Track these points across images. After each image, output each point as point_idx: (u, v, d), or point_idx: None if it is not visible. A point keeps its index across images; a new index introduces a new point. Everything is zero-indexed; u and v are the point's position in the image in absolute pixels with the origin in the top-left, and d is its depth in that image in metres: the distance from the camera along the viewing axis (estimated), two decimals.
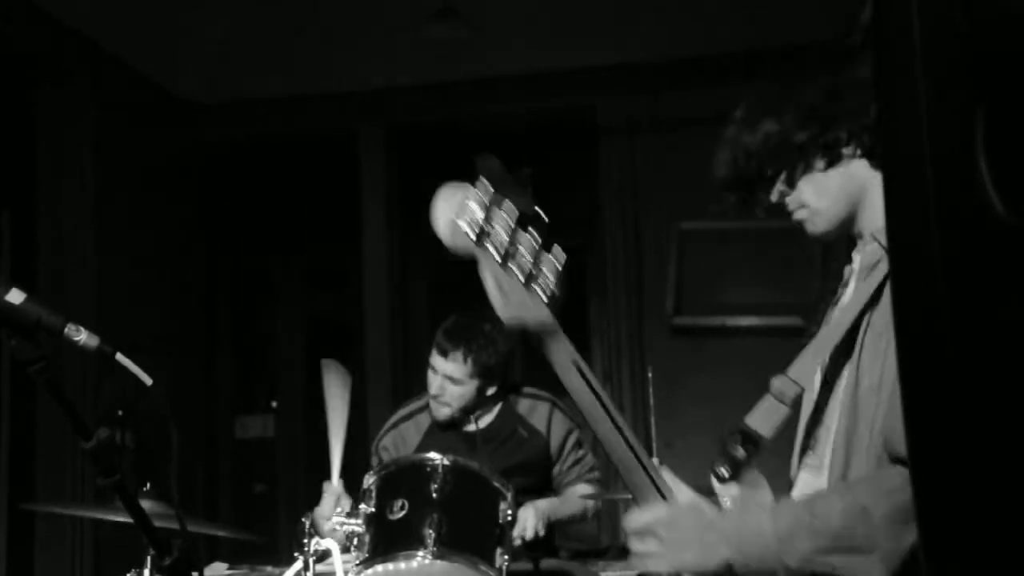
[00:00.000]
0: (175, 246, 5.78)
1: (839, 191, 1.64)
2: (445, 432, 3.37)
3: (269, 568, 3.27)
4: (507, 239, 1.33)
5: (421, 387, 3.45)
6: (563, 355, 1.41)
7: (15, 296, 1.54)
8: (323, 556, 2.77)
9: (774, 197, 1.71)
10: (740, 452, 1.56)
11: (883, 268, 1.56)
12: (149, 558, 2.57)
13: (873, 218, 1.63)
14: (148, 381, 1.58)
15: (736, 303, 5.31)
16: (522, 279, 1.35)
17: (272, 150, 6.13)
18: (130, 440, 4.31)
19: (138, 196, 5.46)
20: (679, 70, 5.50)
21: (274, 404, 6.35)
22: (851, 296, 1.66)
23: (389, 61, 5.42)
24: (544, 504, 3.23)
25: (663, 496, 1.51)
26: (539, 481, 3.44)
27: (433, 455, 2.77)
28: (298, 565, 2.70)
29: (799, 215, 1.70)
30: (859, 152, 1.62)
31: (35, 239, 4.94)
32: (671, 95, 5.51)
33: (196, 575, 1.67)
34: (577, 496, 3.41)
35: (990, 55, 0.83)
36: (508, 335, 3.37)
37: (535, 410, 3.48)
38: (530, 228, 1.37)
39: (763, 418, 1.59)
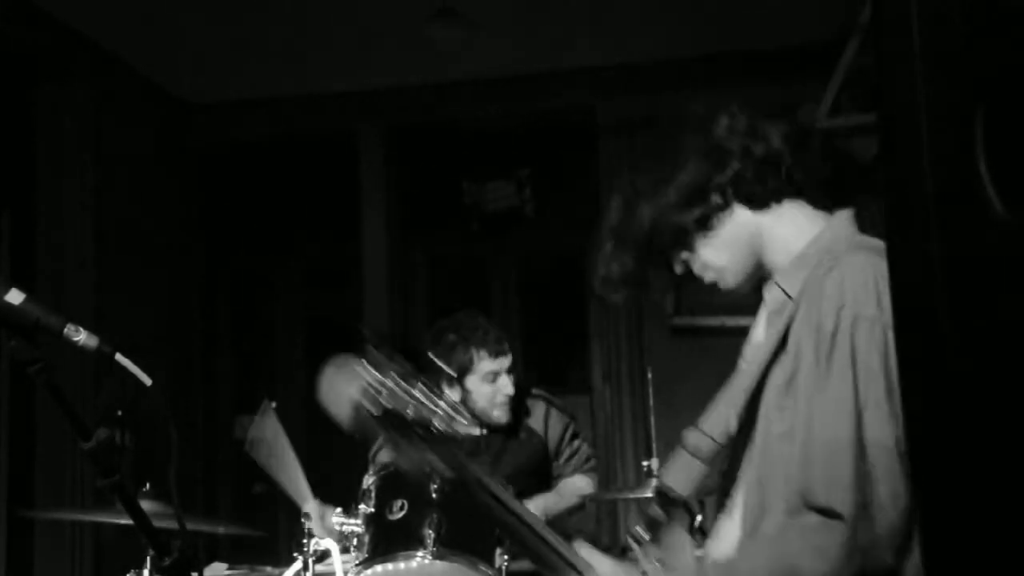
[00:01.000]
0: (174, 246, 5.77)
1: (734, 243, 1.69)
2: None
3: (269, 568, 3.26)
4: (407, 402, 1.39)
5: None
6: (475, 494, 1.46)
7: (14, 296, 1.54)
8: (323, 556, 2.77)
9: (679, 270, 1.76)
10: (659, 513, 1.56)
11: (786, 314, 1.60)
12: (148, 558, 2.57)
13: (775, 259, 1.68)
14: (147, 381, 1.58)
15: (735, 303, 5.29)
16: (431, 433, 1.42)
17: (271, 150, 6.13)
18: (129, 440, 4.30)
19: (137, 196, 5.45)
20: (679, 70, 5.49)
21: (273, 404, 6.34)
22: (760, 340, 1.68)
23: (389, 61, 5.42)
24: (541, 501, 3.23)
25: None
26: (540, 480, 3.44)
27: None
28: (297, 565, 2.70)
29: (708, 277, 1.75)
30: (741, 203, 1.68)
31: (34, 239, 4.94)
32: (671, 95, 5.51)
33: (195, 575, 1.67)
34: (573, 487, 3.41)
35: (990, 55, 0.83)
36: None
37: (533, 409, 3.48)
38: (417, 381, 1.42)
39: (679, 475, 1.60)
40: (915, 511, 1.39)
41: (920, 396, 0.90)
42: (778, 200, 1.67)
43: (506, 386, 3.25)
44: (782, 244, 1.67)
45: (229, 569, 3.34)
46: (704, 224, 1.69)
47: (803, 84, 4.86)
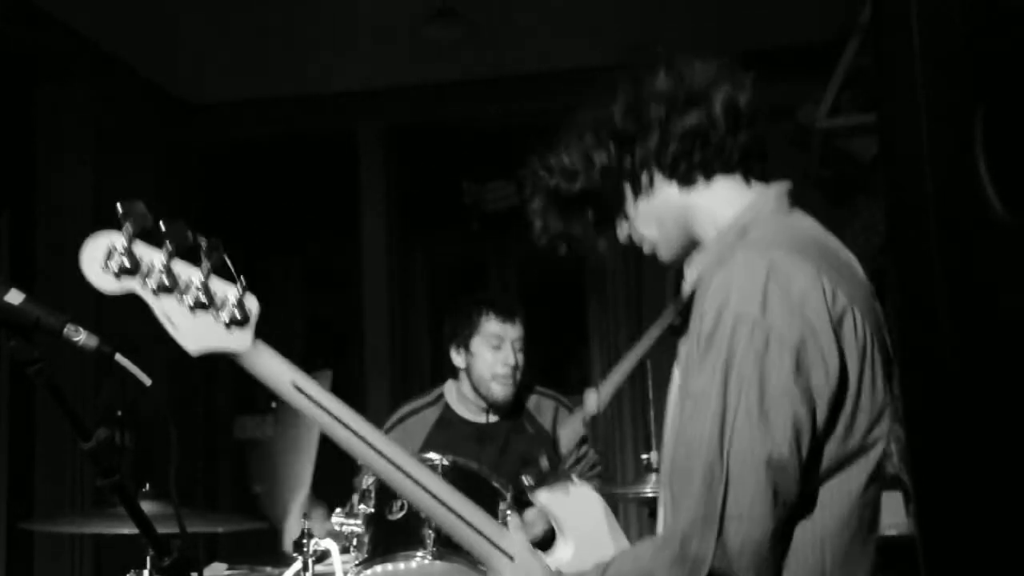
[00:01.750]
0: None
1: (661, 216, 1.62)
2: (453, 427, 3.36)
3: (268, 568, 3.26)
4: (164, 275, 1.38)
5: (420, 387, 3.44)
6: (276, 376, 1.42)
7: (14, 296, 1.54)
8: (322, 556, 2.76)
9: (622, 238, 1.70)
10: (545, 464, 1.55)
11: (693, 298, 1.53)
12: (148, 558, 2.57)
13: (705, 234, 1.60)
14: (147, 381, 1.57)
15: None
16: (187, 308, 1.39)
17: (271, 150, 6.13)
18: (129, 441, 4.31)
19: (137, 196, 5.42)
20: None
21: (273, 404, 6.33)
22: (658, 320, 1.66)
23: (388, 61, 5.42)
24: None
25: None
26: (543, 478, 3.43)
27: (432, 455, 2.76)
28: (297, 565, 2.70)
29: (646, 248, 1.69)
30: (665, 177, 1.60)
31: (34, 239, 4.93)
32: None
33: (195, 575, 1.67)
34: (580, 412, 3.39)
35: (989, 55, 0.83)
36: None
37: (541, 407, 3.48)
38: (201, 260, 1.40)
39: (568, 432, 1.59)
40: (776, 532, 1.34)
41: (920, 396, 0.90)
42: (706, 175, 1.58)
43: (509, 357, 3.25)
44: (710, 220, 1.58)
45: (229, 569, 3.34)
46: (623, 197, 1.63)
47: (803, 84, 4.86)
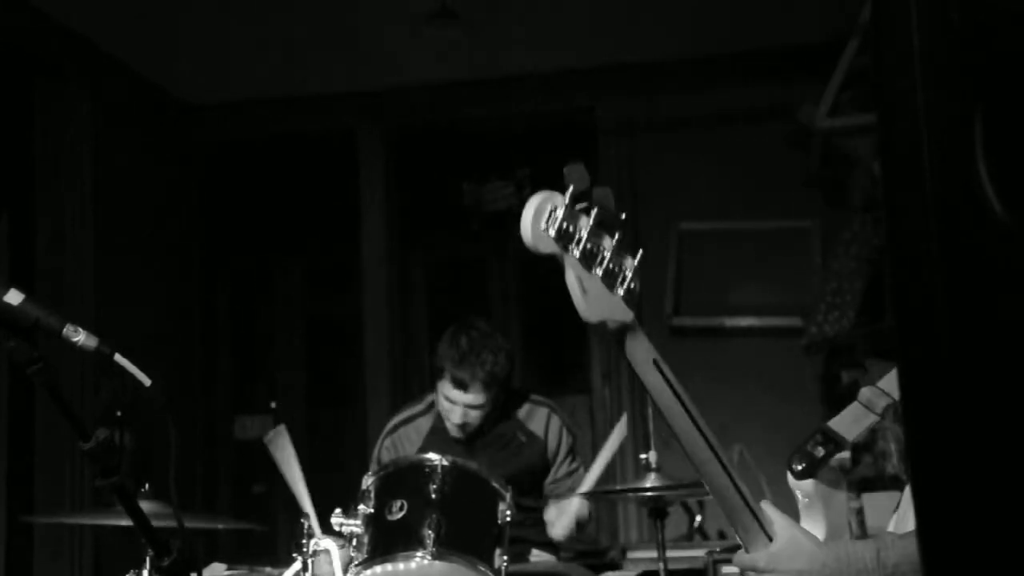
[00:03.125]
0: (174, 246, 5.77)
1: None
2: (445, 438, 3.37)
3: (268, 569, 3.26)
4: (589, 242, 1.38)
5: (420, 388, 3.45)
6: (642, 353, 1.45)
7: (14, 297, 1.54)
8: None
9: None
10: (819, 451, 1.56)
11: None
12: (148, 559, 2.57)
13: None
14: (147, 382, 1.58)
15: (735, 303, 5.31)
16: (604, 280, 1.40)
17: (271, 150, 6.13)
18: (129, 441, 4.30)
19: (136, 197, 5.45)
20: (677, 71, 5.50)
21: (273, 404, 6.34)
22: None
23: (388, 61, 5.42)
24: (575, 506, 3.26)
25: (751, 511, 1.49)
26: (536, 484, 3.44)
27: (432, 456, 2.77)
28: (297, 566, 2.70)
29: None
30: None
31: (33, 240, 4.93)
32: (670, 96, 5.52)
33: (195, 575, 1.67)
34: (575, 509, 3.38)
35: (988, 55, 0.83)
36: (504, 339, 3.35)
37: (533, 415, 3.48)
38: (612, 231, 1.41)
39: (848, 424, 1.60)
40: None
41: (920, 396, 0.90)
42: None
43: (455, 416, 3.28)
44: None
45: (228, 569, 3.34)
46: None
47: (803, 84, 4.86)
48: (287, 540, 2.99)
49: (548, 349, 6.11)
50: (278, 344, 6.40)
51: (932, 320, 0.87)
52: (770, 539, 1.47)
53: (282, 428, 3.15)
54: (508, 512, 2.70)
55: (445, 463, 2.71)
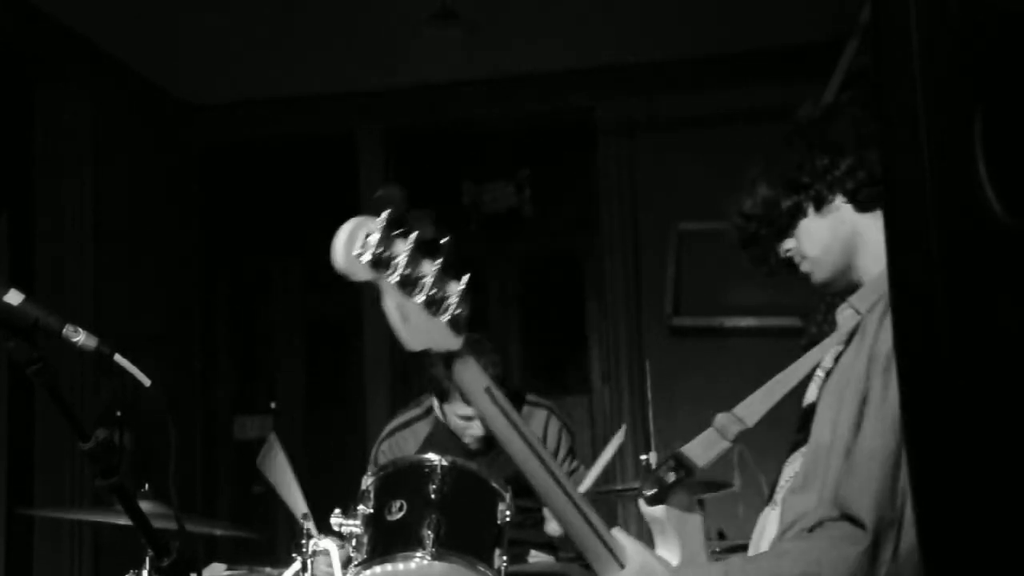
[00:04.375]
0: (174, 247, 5.77)
1: (830, 238, 1.70)
2: (444, 442, 3.36)
3: (268, 569, 3.26)
4: (408, 268, 1.32)
5: (420, 388, 3.44)
6: (473, 380, 1.38)
7: (13, 297, 1.54)
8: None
9: (783, 253, 1.78)
10: (670, 476, 1.56)
11: (850, 326, 1.62)
12: (148, 559, 2.57)
13: (867, 264, 1.68)
14: (146, 382, 1.58)
15: (735, 303, 5.31)
16: (426, 307, 1.34)
17: (270, 151, 6.13)
18: (128, 441, 4.31)
19: (136, 197, 5.45)
20: (677, 71, 5.50)
21: (273, 405, 6.34)
22: (816, 349, 1.68)
23: (388, 62, 5.42)
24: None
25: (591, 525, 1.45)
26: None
27: (432, 456, 2.77)
28: (296, 566, 2.69)
29: (804, 267, 1.76)
30: (846, 199, 1.69)
31: (33, 240, 4.93)
32: (669, 96, 5.52)
33: (194, 575, 1.67)
34: None
35: (988, 55, 0.83)
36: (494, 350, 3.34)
37: (532, 417, 3.48)
38: (434, 256, 1.35)
39: (701, 449, 1.60)
40: None
41: (919, 397, 0.90)
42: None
43: (477, 431, 3.29)
44: (875, 251, 1.66)
45: (228, 570, 3.34)
46: (801, 210, 1.71)
47: (803, 84, 4.86)
48: (287, 540, 2.98)
49: (548, 349, 6.11)
50: (278, 344, 6.40)
51: (932, 320, 0.87)
52: (621, 566, 1.46)
53: (272, 439, 3.14)
54: (508, 512, 2.70)
55: (444, 463, 2.70)
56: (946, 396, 0.87)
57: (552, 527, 3.32)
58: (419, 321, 1.34)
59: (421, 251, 1.34)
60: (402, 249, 1.32)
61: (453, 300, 1.36)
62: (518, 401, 3.50)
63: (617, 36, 5.25)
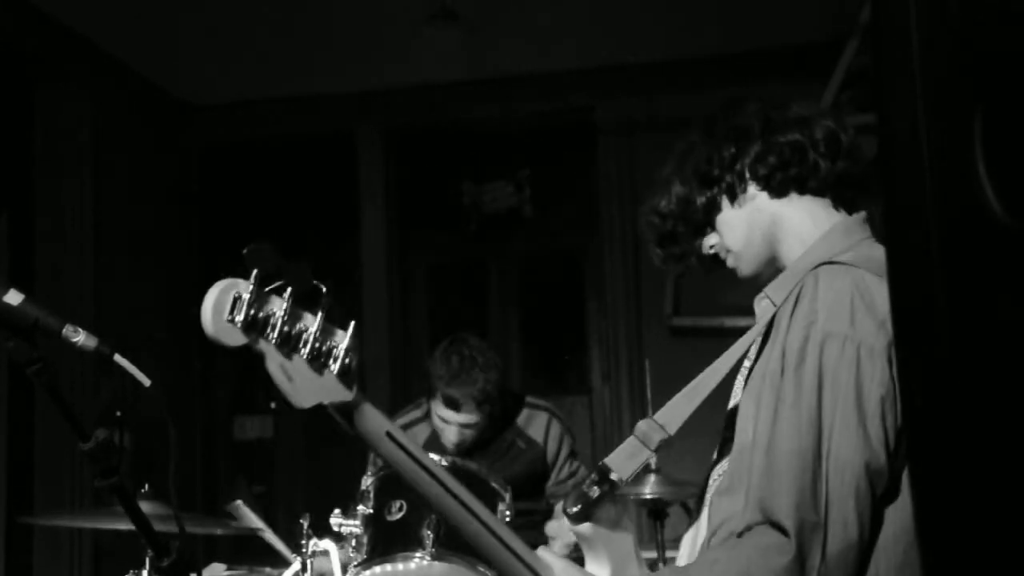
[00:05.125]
0: (173, 247, 5.77)
1: (749, 229, 1.68)
2: (442, 444, 3.36)
3: (268, 569, 3.26)
4: (286, 326, 1.27)
5: (420, 388, 3.44)
6: (374, 427, 1.34)
7: (13, 297, 1.54)
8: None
9: (707, 250, 1.75)
10: (594, 491, 1.53)
11: (765, 320, 1.60)
12: (147, 559, 2.57)
13: (790, 251, 1.66)
14: (146, 382, 1.57)
15: (735, 303, 5.30)
16: (311, 363, 1.29)
17: (270, 150, 6.13)
18: (128, 441, 4.29)
19: (136, 197, 5.45)
20: (677, 71, 5.50)
21: (272, 405, 6.34)
22: (734, 345, 1.66)
23: (387, 62, 5.42)
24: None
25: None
26: (535, 488, 3.43)
27: (432, 456, 2.76)
28: (296, 566, 2.69)
29: (729, 262, 1.74)
30: (759, 187, 1.66)
31: (33, 240, 4.93)
32: (669, 96, 5.51)
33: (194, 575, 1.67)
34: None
35: (988, 55, 0.83)
36: (494, 354, 3.32)
37: (532, 420, 3.48)
38: (315, 308, 1.30)
39: (624, 460, 1.57)
40: (872, 540, 1.40)
41: (919, 396, 0.90)
42: (799, 190, 1.65)
43: (452, 436, 3.26)
44: (796, 236, 1.65)
45: (228, 570, 3.34)
46: (716, 204, 1.68)
47: (803, 84, 4.86)
48: (287, 540, 2.98)
49: (548, 349, 6.11)
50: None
51: (932, 320, 0.87)
52: None
53: (238, 504, 3.13)
54: (508, 512, 2.70)
55: (445, 463, 2.70)
56: (947, 393, 0.87)
57: (552, 527, 3.29)
58: (306, 379, 1.29)
59: (300, 305, 1.29)
60: (278, 306, 1.26)
61: (340, 350, 1.31)
62: (518, 404, 3.49)
63: (617, 36, 5.25)
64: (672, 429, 1.60)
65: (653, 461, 2.98)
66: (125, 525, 2.52)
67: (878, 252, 1.54)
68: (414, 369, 5.88)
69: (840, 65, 4.55)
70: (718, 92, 5.85)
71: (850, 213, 1.66)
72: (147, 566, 2.58)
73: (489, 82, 5.69)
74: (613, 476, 1.54)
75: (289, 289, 1.28)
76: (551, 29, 5.17)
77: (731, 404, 1.68)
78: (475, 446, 3.35)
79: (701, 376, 1.65)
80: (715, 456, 1.69)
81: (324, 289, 1.32)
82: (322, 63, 5.46)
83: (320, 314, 1.30)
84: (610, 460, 1.57)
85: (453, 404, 3.21)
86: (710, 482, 1.67)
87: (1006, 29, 0.82)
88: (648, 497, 3.01)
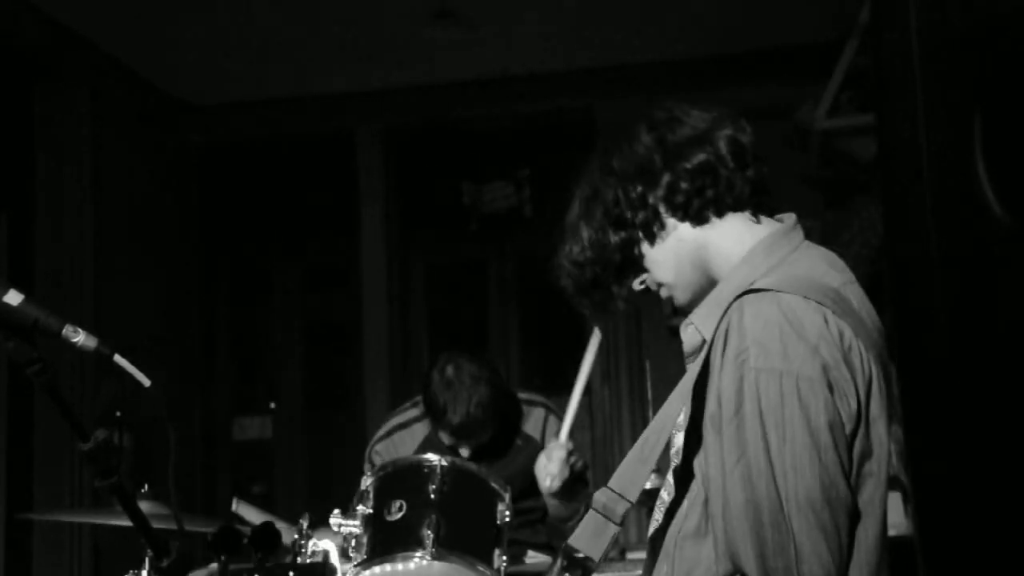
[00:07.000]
0: (173, 247, 5.77)
1: (676, 261, 1.62)
2: (441, 444, 3.35)
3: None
4: None
5: (419, 388, 3.42)
6: None
7: (13, 297, 1.54)
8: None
9: (637, 287, 1.69)
10: None
11: (699, 361, 1.54)
12: (147, 559, 2.56)
13: (722, 272, 1.60)
14: (146, 382, 1.57)
15: None
16: None
17: (270, 150, 6.13)
18: (128, 441, 4.31)
19: (136, 197, 5.45)
20: (677, 71, 5.50)
21: (272, 405, 6.34)
22: (673, 394, 1.62)
23: (387, 62, 5.42)
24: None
25: None
26: (535, 487, 3.42)
27: (431, 456, 2.76)
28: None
29: (663, 294, 1.68)
30: (678, 218, 1.60)
31: (33, 240, 4.93)
32: (668, 96, 5.51)
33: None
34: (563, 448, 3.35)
35: (988, 55, 0.83)
36: (485, 371, 3.29)
37: (529, 416, 3.46)
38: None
39: (589, 538, 1.54)
40: (846, 567, 1.36)
41: (919, 396, 0.90)
42: (718, 212, 1.58)
43: (464, 453, 3.25)
44: (724, 257, 1.59)
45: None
46: (634, 243, 1.63)
47: (803, 84, 4.86)
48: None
49: (548, 349, 6.11)
50: (277, 345, 6.40)
51: (932, 320, 0.87)
52: None
53: (235, 502, 3.13)
54: (507, 512, 2.69)
55: (444, 463, 2.70)
56: (946, 393, 0.87)
57: (554, 483, 3.26)
58: None
59: None
60: None
61: None
62: (512, 403, 3.48)
63: (617, 36, 5.25)
64: (632, 497, 1.56)
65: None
66: (124, 521, 2.52)
67: (803, 268, 1.49)
68: (414, 367, 5.89)
69: (840, 65, 4.55)
70: (718, 92, 5.91)
71: (772, 216, 1.61)
72: (147, 566, 2.58)
73: (489, 82, 5.69)
74: (580, 555, 1.50)
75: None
76: (551, 29, 5.17)
77: (677, 458, 1.62)
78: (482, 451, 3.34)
79: (647, 433, 1.62)
80: (668, 475, 1.64)
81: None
82: (322, 63, 5.46)
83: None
84: (574, 540, 1.52)
85: (459, 435, 3.21)
86: (659, 503, 1.61)
87: (1006, 29, 0.82)
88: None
